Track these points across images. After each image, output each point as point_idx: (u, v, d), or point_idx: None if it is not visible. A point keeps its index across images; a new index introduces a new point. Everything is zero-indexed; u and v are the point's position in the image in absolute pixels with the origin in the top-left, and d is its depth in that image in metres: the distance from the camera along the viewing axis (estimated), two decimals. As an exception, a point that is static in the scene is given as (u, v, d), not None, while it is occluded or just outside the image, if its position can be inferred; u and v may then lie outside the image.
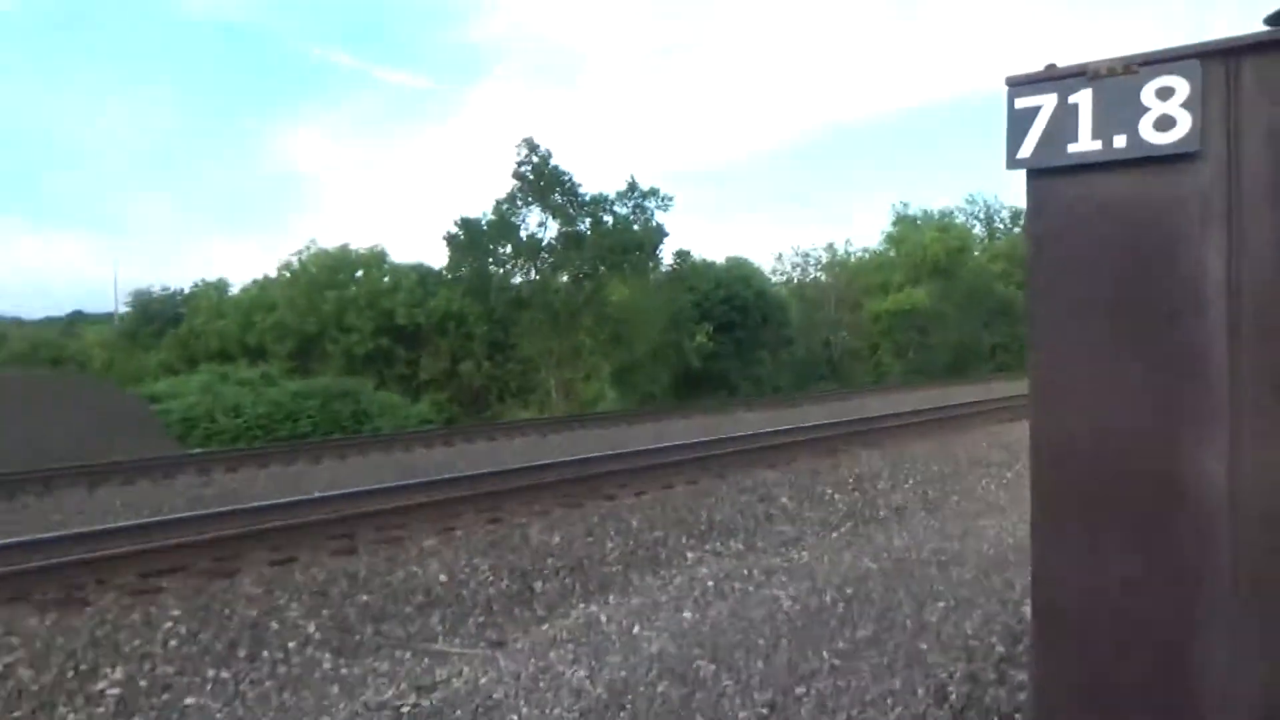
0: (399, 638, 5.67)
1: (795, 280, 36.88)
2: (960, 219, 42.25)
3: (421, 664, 5.18)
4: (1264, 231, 2.35)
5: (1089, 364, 2.62)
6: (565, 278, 24.36)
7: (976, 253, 40.18)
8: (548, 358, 23.71)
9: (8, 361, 27.07)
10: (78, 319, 49.75)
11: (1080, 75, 2.60)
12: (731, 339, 28.60)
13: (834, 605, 5.41)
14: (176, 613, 5.49)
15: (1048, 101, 2.64)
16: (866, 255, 39.23)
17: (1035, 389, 2.71)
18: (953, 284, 35.33)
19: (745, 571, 6.42)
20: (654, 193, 24.16)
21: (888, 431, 12.61)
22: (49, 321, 46.79)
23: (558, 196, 23.50)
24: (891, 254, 39.43)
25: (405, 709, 4.26)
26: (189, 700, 4.78)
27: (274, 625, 5.54)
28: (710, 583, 6.19)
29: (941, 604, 5.30)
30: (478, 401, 24.49)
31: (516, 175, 23.41)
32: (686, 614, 5.50)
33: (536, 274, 24.20)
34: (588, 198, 23.83)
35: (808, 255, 37.42)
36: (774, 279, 36.39)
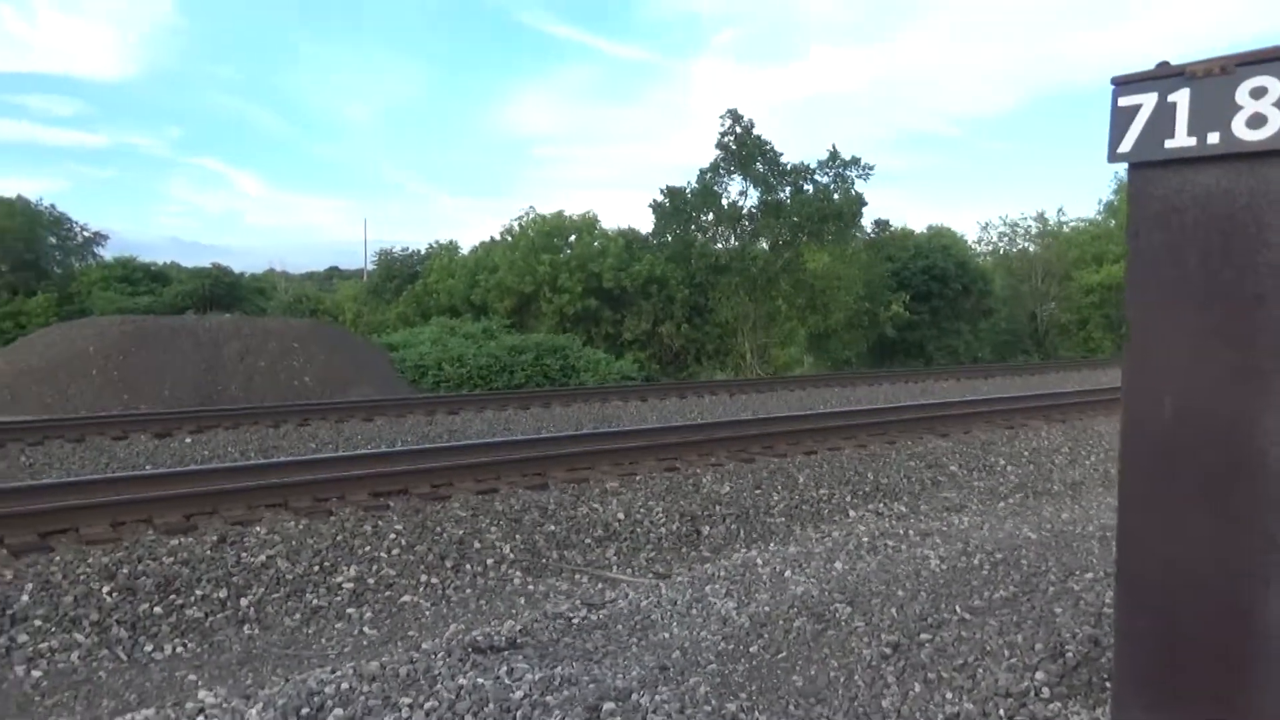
0: (578, 564, 6.45)
1: (1001, 250, 35.16)
2: (1192, 187, 38.43)
3: (595, 587, 5.91)
4: (1348, 224, 2.52)
5: (1179, 344, 2.85)
6: (765, 245, 24.66)
7: (1206, 224, 36.49)
8: (744, 322, 24.18)
9: (276, 310, 30.85)
10: (335, 274, 55.56)
11: (1179, 75, 2.82)
12: (929, 308, 27.93)
13: (980, 567, 5.63)
14: (399, 527, 6.48)
15: (1148, 100, 2.87)
16: (1082, 225, 36.65)
17: (1129, 368, 2.96)
18: (1176, 256, 32.57)
19: (901, 531, 6.71)
20: (855, 161, 23.91)
21: (1076, 407, 12.18)
22: (310, 276, 52.57)
23: (759, 166, 23.76)
24: (1110, 224, 36.65)
25: (576, 620, 4.96)
26: (405, 598, 5.75)
27: (476, 544, 6.45)
28: (865, 539, 6.53)
29: (1089, 575, 5.41)
30: (676, 361, 25.35)
31: (720, 145, 23.88)
32: (837, 565, 5.91)
33: (736, 241, 24.65)
34: (789, 166, 23.95)
35: (1015, 225, 35.50)
36: (978, 249, 34.94)
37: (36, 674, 4.53)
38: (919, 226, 32.94)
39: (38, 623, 4.85)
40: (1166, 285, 2.88)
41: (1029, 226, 35.56)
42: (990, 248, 36.07)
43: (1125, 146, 2.91)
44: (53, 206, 35.70)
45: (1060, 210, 44.75)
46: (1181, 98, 2.81)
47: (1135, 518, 2.98)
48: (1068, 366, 24.89)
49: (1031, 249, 34.74)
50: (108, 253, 37.16)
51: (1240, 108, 2.69)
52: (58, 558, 5.46)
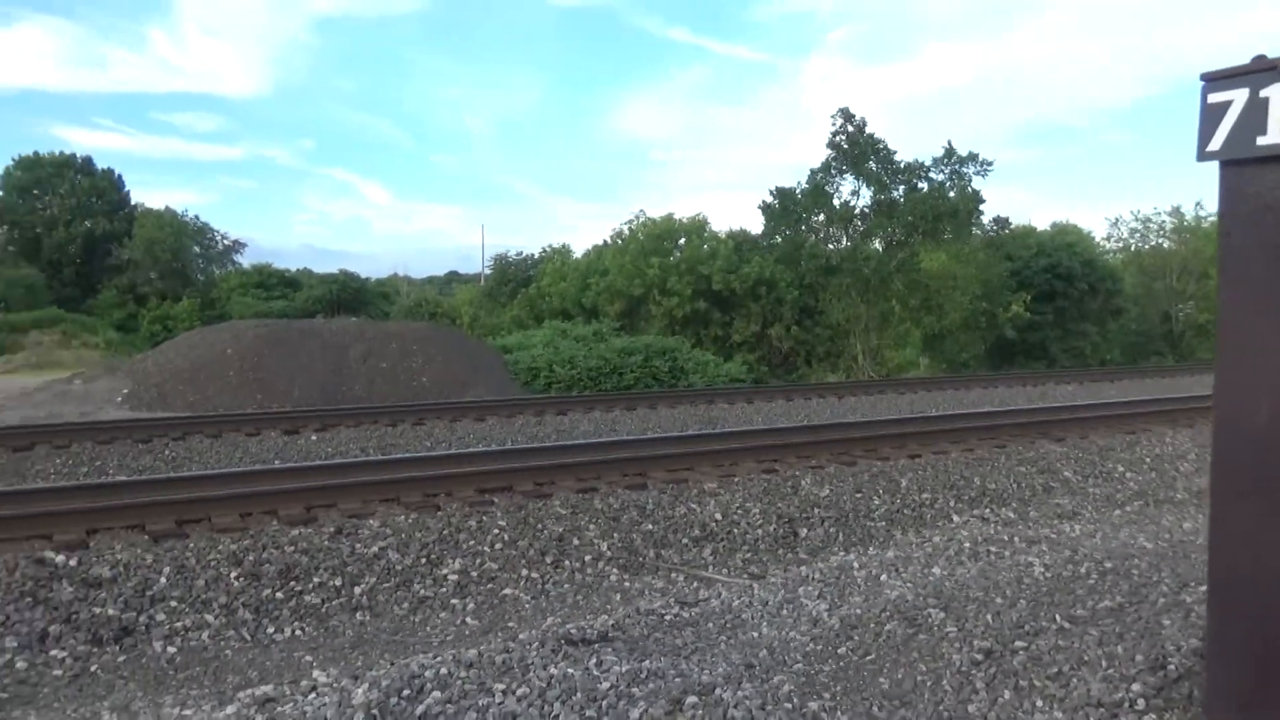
0: (675, 563, 6.56)
1: (1133, 248, 33.42)
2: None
3: (690, 585, 6.01)
4: None
5: (1275, 344, 2.77)
6: (878, 245, 24.27)
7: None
8: (856, 324, 23.84)
9: (398, 314, 32.20)
10: (453, 278, 57.64)
11: (1272, 70, 2.75)
12: (1053, 308, 26.87)
13: (1087, 576, 5.46)
14: (503, 523, 6.73)
15: (1239, 96, 2.81)
16: (1222, 219, 34.39)
17: (1221, 369, 2.90)
18: (1329, 249, 30.33)
19: (1006, 538, 6.55)
20: (973, 157, 23.26)
21: (1205, 411, 11.50)
22: (430, 281, 54.70)
23: (872, 164, 23.39)
24: (1255, 217, 34.34)
25: (669, 616, 5.08)
26: (506, 591, 5.99)
27: (575, 541, 6.64)
28: (967, 544, 6.41)
29: (1204, 588, 5.18)
30: (786, 363, 25.20)
31: (831, 145, 23.63)
32: (935, 570, 5.83)
33: (848, 241, 24.34)
34: (903, 164, 23.48)
35: (1148, 221, 33.65)
36: (1107, 246, 33.35)
37: (171, 650, 4.95)
38: (1044, 223, 31.83)
39: (173, 603, 5.29)
40: (1260, 284, 2.81)
41: (1163, 222, 33.71)
42: (1120, 245, 34.44)
43: (1215, 144, 2.86)
44: (196, 217, 38.34)
45: (1199, 204, 42.20)
46: (1275, 93, 2.74)
47: (1229, 522, 2.93)
48: (1203, 369, 23.49)
49: (1166, 245, 32.92)
50: (246, 260, 39.61)
51: (1337, 102, 2.60)
52: (192, 544, 5.92)
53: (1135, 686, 3.79)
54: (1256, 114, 2.75)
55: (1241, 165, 2.80)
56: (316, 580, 5.70)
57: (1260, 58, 2.80)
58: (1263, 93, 2.75)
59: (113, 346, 29.41)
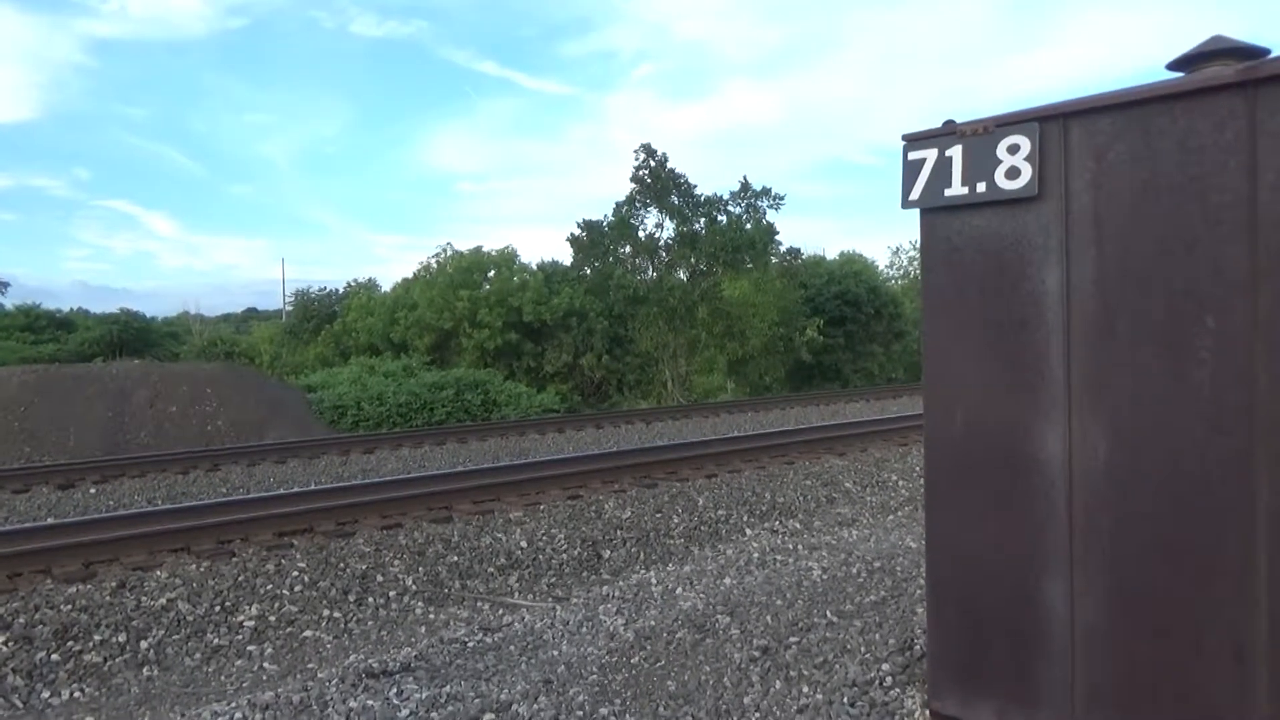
0: (480, 592, 6.68)
1: (911, 275, 36.46)
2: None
3: (495, 613, 6.15)
4: (1087, 258, 2.99)
5: (964, 366, 3.28)
6: (683, 275, 25.25)
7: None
8: (664, 351, 24.66)
9: (190, 354, 30.20)
10: (252, 316, 54.68)
11: (953, 134, 3.28)
12: (843, 332, 28.87)
13: (858, 576, 6.03)
14: (303, 564, 6.62)
15: (931, 155, 3.32)
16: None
17: (927, 387, 3.39)
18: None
19: (791, 546, 7.09)
20: (766, 192, 24.73)
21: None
22: (227, 318, 51.67)
23: (674, 198, 24.39)
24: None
25: (471, 643, 5.20)
26: (306, 633, 5.90)
27: (379, 578, 6.63)
28: (756, 555, 6.89)
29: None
30: (598, 392, 25.67)
31: (635, 179, 24.46)
32: (726, 580, 6.25)
33: (654, 272, 25.19)
34: (703, 198, 24.63)
35: (925, 249, 36.89)
36: (889, 273, 36.19)
37: (-71, 725, 4.60)
38: (836, 253, 34.08)
39: (-69, 675, 4.90)
40: (953, 313, 3.32)
41: (936, 251, 36.77)
42: (901, 272, 37.36)
43: (915, 194, 3.36)
44: (-52, 255, 34.59)
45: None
46: (956, 153, 3.26)
47: (938, 518, 3.41)
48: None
49: (939, 272, 35.98)
50: (9, 300, 36.13)
51: (1000, 161, 3.16)
52: (-48, 611, 5.49)
53: (885, 666, 4.28)
54: (944, 170, 3.28)
55: (934, 212, 3.32)
56: (98, 638, 5.42)
57: (949, 123, 3.34)
58: (948, 152, 3.28)
59: None
